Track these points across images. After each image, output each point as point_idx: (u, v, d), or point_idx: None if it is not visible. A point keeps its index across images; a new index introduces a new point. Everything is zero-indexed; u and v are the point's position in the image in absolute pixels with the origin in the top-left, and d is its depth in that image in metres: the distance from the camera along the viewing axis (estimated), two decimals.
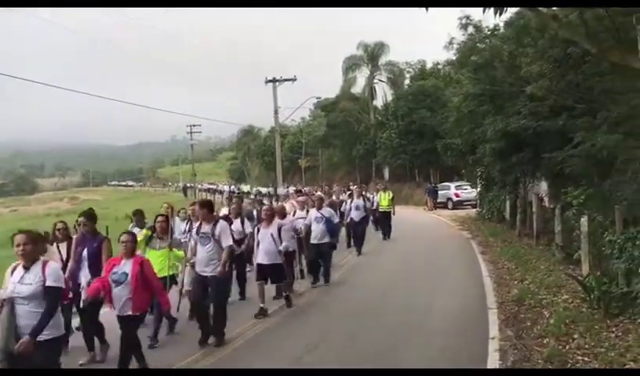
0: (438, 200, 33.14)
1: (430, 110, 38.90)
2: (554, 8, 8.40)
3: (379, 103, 50.69)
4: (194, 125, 58.49)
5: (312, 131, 59.87)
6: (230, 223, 8.94)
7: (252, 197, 28.83)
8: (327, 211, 12.21)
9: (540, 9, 8.83)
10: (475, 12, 18.13)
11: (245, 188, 54.48)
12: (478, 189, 26.33)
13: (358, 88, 50.95)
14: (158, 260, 8.05)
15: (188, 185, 68.87)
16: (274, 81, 33.66)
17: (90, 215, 7.53)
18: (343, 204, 19.06)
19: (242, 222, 10.93)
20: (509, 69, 15.36)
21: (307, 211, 12.67)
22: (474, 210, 26.86)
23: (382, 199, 19.47)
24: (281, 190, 33.50)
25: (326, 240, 11.77)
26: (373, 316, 8.99)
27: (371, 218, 19.53)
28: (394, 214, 19.72)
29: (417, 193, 39.71)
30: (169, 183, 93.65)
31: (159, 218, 8.50)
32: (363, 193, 18.78)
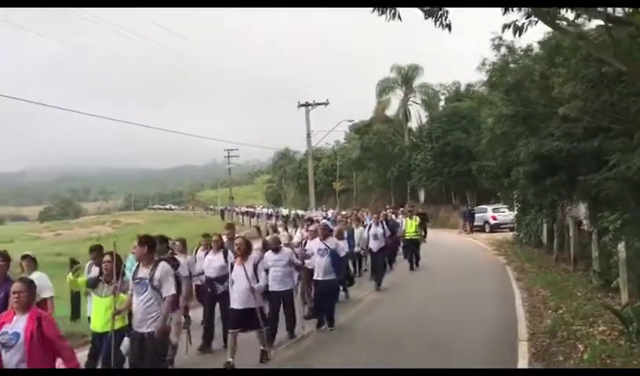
0: (475, 224, 32.49)
1: (465, 132, 38.37)
2: (576, 23, 8.08)
3: (413, 124, 50.48)
4: (231, 149, 59.14)
5: (346, 154, 59.75)
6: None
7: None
8: (332, 241, 10.50)
9: (568, 28, 8.56)
10: (508, 34, 17.85)
11: (284, 211, 54.01)
12: (515, 212, 25.69)
13: (392, 110, 50.90)
14: (102, 310, 6.72)
15: (225, 208, 68.91)
16: (306, 105, 33.69)
17: (3, 256, 6.75)
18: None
19: (225, 255, 9.24)
20: (541, 89, 14.95)
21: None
22: (512, 233, 26.18)
23: (408, 225, 18.32)
24: (316, 214, 33.31)
25: (331, 276, 10.13)
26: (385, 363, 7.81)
27: (401, 244, 19.02)
28: (424, 241, 19.17)
29: (453, 215, 39.08)
30: (211, 207, 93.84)
31: (105, 257, 6.89)
32: (382, 219, 16.75)
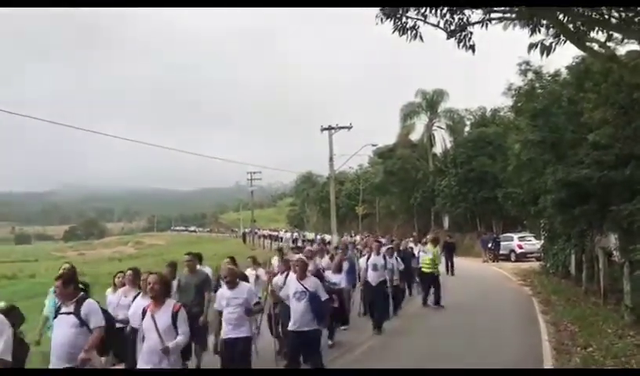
0: (501, 252, 31.68)
1: (491, 158, 37.80)
2: (607, 45, 7.68)
3: (438, 149, 50.00)
4: (254, 172, 59.22)
5: (370, 179, 59.35)
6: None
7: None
8: (312, 282, 7.94)
9: (598, 49, 8.16)
10: (535, 58, 17.48)
11: (310, 235, 52.50)
12: (542, 241, 24.94)
13: (416, 135, 50.65)
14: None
15: (247, 231, 68.33)
16: (329, 128, 33.49)
17: None
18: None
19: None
20: (570, 115, 14.48)
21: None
22: (538, 263, 25.39)
23: (424, 257, 16.16)
24: (334, 238, 32.89)
25: (311, 326, 7.67)
26: None
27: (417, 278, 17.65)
28: (451, 274, 18.19)
29: (478, 243, 38.27)
30: (236, 229, 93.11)
31: (56, 283, 5.79)
32: (392, 248, 14.80)
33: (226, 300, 7.24)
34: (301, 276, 7.88)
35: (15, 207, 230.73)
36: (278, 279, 9.19)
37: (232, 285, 7.31)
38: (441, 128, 49.16)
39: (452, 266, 24.30)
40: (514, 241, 31.19)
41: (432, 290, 15.75)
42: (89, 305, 5.50)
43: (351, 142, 36.67)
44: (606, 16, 6.99)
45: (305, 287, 7.75)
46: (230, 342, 7.20)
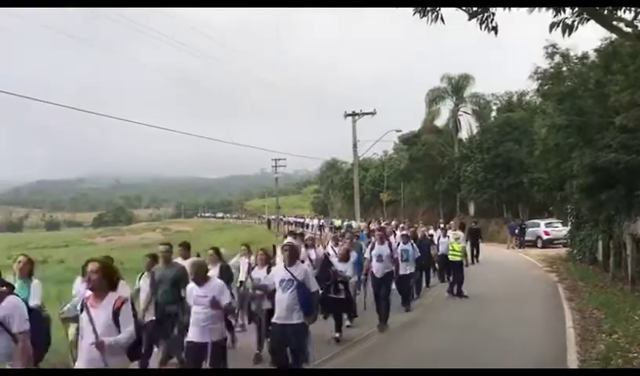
0: (527, 238, 31.27)
1: (517, 143, 37.24)
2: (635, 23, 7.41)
3: (463, 135, 49.33)
4: (278, 159, 59.29)
5: (394, 165, 58.95)
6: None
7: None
8: (301, 270, 7.12)
9: (626, 29, 7.91)
10: (562, 41, 17.09)
11: (337, 222, 49.46)
12: (569, 227, 24.54)
13: (441, 120, 49.93)
14: None
15: (272, 217, 68.31)
16: (353, 114, 33.31)
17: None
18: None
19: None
20: (597, 98, 14.13)
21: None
22: (565, 249, 25.00)
23: (452, 244, 15.43)
24: (354, 224, 32.83)
25: (296, 319, 6.92)
26: None
27: (435, 266, 17.56)
28: (476, 261, 18.00)
29: (504, 230, 37.79)
30: (263, 216, 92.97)
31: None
32: (409, 236, 14.01)
33: (193, 298, 6.54)
34: (290, 263, 7.09)
35: (46, 195, 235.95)
36: (258, 272, 8.53)
37: (200, 281, 6.51)
38: (467, 114, 48.45)
39: (477, 253, 23.86)
40: (541, 227, 30.74)
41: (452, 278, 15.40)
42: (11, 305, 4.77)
43: (376, 128, 36.52)
44: None
45: (293, 276, 6.95)
46: (193, 347, 6.43)
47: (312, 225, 49.90)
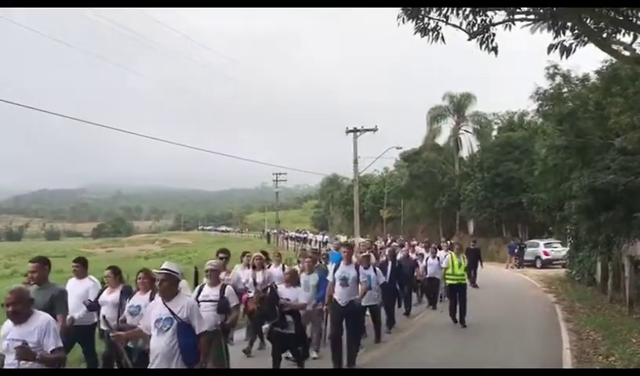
0: (526, 258, 31.22)
1: (517, 163, 37.31)
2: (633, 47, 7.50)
3: (464, 153, 49.43)
4: (279, 174, 59.41)
5: (395, 182, 59.02)
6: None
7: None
8: (186, 304, 5.35)
9: (625, 53, 7.98)
10: (564, 62, 17.22)
11: (342, 237, 45.77)
12: (568, 247, 24.50)
13: (442, 138, 50.15)
14: None
15: (275, 231, 67.21)
16: (354, 131, 33.38)
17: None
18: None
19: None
20: (596, 120, 14.20)
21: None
22: (564, 270, 24.95)
23: (455, 265, 13.30)
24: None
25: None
26: None
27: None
28: (475, 285, 17.78)
29: (503, 249, 37.79)
30: (268, 230, 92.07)
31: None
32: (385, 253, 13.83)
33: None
34: (168, 296, 5.35)
35: (46, 205, 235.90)
36: (139, 299, 6.78)
37: (15, 318, 4.76)
38: (468, 132, 48.59)
39: (474, 276, 21.35)
40: (540, 247, 30.70)
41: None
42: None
43: (377, 145, 36.57)
44: (631, 18, 6.84)
45: (172, 313, 5.26)
46: None
47: (315, 241, 48.98)
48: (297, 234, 58.97)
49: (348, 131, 33.64)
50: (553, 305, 16.60)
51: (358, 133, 33.50)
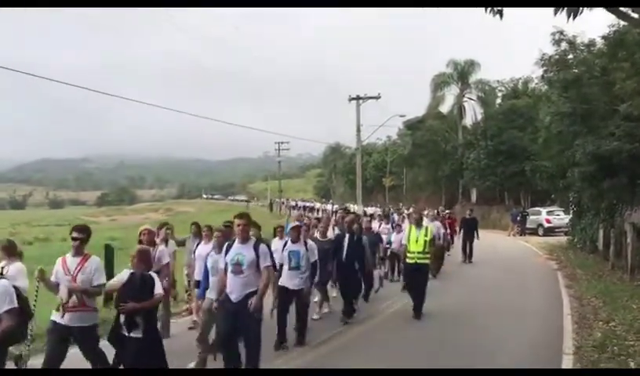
0: (528, 226, 31.27)
1: (521, 131, 37.11)
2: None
3: (468, 121, 49.18)
4: (282, 142, 59.15)
5: (398, 150, 58.82)
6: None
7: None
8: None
9: (634, 15, 7.82)
10: (569, 27, 16.96)
11: (354, 207, 46.39)
12: (570, 215, 24.50)
13: (446, 106, 49.87)
14: None
15: (277, 200, 66.73)
16: (357, 98, 33.10)
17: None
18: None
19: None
20: (602, 86, 14.02)
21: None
22: (567, 237, 24.99)
23: (411, 239, 10.37)
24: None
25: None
26: None
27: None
28: (469, 261, 17.54)
29: (506, 217, 37.83)
30: (276, 199, 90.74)
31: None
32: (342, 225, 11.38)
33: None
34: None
35: (50, 174, 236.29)
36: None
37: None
38: (472, 100, 48.28)
39: (470, 251, 19.41)
40: (542, 215, 30.74)
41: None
42: None
43: (380, 113, 36.34)
44: None
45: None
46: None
47: (324, 210, 45.10)
48: (304, 203, 57.56)
49: (351, 99, 33.37)
50: (555, 273, 16.67)
51: (361, 101, 33.23)
